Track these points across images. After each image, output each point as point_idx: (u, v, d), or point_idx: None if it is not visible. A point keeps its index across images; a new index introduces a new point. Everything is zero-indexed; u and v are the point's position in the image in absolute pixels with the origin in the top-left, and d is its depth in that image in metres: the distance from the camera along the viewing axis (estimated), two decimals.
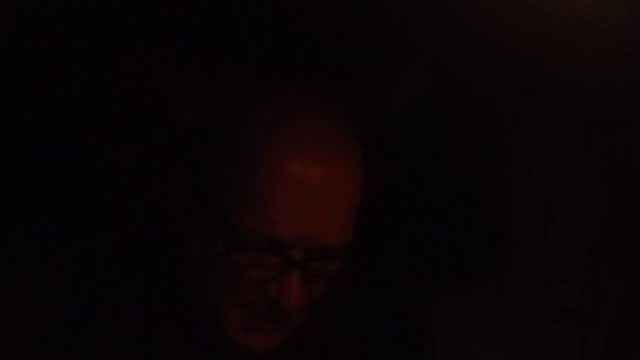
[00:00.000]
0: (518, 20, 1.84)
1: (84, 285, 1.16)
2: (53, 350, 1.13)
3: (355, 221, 1.10)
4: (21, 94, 1.77)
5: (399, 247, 1.90)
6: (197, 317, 1.16)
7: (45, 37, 1.79)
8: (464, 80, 1.96)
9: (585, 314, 1.73)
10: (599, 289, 1.75)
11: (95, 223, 1.31)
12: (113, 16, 1.86)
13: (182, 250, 1.15)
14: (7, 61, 1.75)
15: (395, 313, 1.74)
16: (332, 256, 1.08)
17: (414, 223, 1.95)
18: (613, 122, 1.78)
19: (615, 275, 1.78)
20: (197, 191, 1.11)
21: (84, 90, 1.83)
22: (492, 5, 1.83)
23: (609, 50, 1.82)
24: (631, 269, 1.80)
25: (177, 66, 1.90)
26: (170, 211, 1.15)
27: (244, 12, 1.91)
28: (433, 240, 1.95)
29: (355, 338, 1.33)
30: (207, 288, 1.11)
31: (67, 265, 1.17)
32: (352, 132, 1.10)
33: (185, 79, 1.90)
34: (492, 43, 1.90)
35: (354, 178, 1.07)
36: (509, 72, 1.93)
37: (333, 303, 1.22)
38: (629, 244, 1.84)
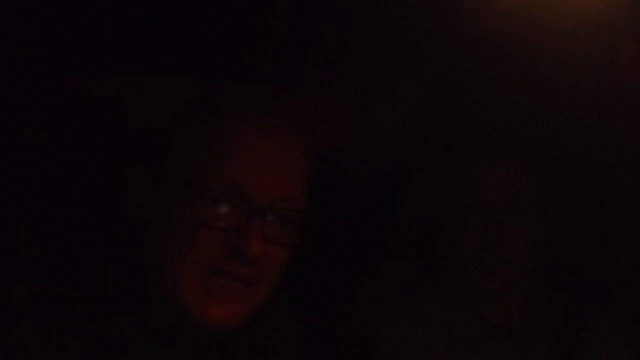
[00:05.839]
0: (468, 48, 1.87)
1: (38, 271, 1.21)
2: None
3: (305, 209, 1.23)
4: None
5: (344, 259, 1.92)
6: (155, 300, 1.20)
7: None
8: (417, 102, 1.98)
9: (525, 331, 1.76)
10: (538, 307, 1.78)
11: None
12: (72, 18, 1.86)
13: (138, 228, 1.22)
14: None
15: (339, 327, 1.77)
16: (287, 222, 1.20)
17: (359, 235, 1.97)
18: (556, 145, 1.81)
19: (554, 293, 1.82)
20: (155, 162, 1.22)
21: (37, 91, 1.84)
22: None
23: (553, 78, 1.86)
24: (569, 287, 1.84)
25: (129, 68, 1.91)
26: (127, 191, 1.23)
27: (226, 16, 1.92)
28: (378, 253, 1.97)
29: (299, 347, 1.38)
30: (166, 256, 1.18)
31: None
32: (298, 132, 1.24)
33: (139, 81, 1.90)
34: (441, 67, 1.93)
35: (299, 157, 1.23)
36: (456, 95, 1.96)
37: (277, 311, 1.26)
38: (568, 262, 1.88)
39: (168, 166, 1.21)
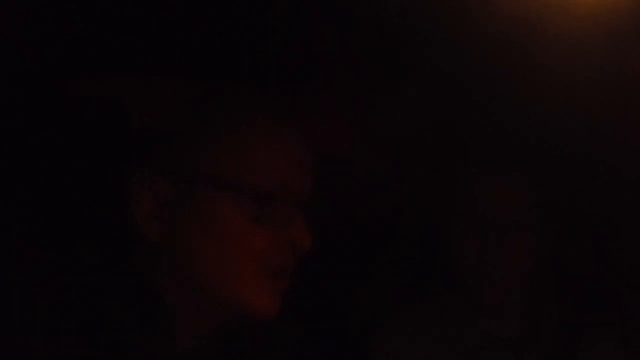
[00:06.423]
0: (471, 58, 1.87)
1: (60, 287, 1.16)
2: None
3: None
4: None
5: (344, 266, 1.91)
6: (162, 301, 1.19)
7: None
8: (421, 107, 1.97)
9: (522, 342, 1.75)
10: (537, 318, 1.78)
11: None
12: (73, 19, 1.86)
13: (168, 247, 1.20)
14: None
15: (339, 334, 1.77)
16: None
17: (360, 243, 1.96)
18: (559, 156, 1.80)
19: (553, 305, 1.81)
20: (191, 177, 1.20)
21: (37, 93, 1.83)
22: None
23: (558, 88, 1.85)
24: (569, 299, 1.83)
25: (127, 70, 1.91)
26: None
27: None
28: (379, 261, 1.96)
29: (299, 354, 1.38)
30: (219, 261, 1.18)
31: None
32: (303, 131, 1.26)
33: (138, 82, 1.90)
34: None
35: (309, 150, 1.25)
36: (459, 102, 1.95)
37: (282, 320, 1.25)
38: (568, 274, 1.88)
39: (189, 169, 1.19)
